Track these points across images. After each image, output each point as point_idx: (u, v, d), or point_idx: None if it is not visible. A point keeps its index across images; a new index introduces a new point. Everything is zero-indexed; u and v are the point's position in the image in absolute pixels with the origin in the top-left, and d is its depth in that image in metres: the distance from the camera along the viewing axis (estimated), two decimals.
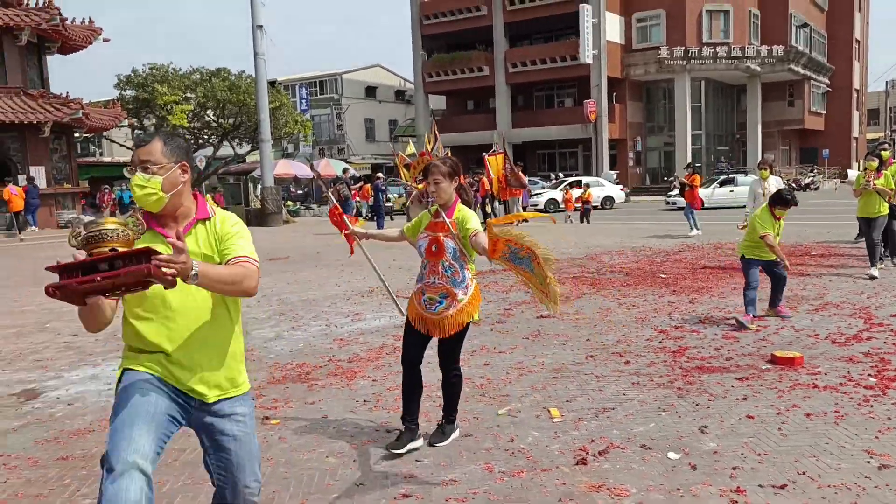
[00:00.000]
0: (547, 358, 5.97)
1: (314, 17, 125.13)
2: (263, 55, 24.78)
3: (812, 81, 46.16)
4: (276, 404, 4.99)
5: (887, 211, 9.45)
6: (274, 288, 10.52)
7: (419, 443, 4.05)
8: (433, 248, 3.85)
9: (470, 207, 3.94)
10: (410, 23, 44.21)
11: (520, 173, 21.30)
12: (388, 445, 4.00)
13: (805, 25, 45.09)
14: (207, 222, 2.46)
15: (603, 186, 30.22)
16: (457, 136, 40.29)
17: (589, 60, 37.19)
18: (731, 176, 28.65)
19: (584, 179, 28.46)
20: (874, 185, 9.21)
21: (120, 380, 2.40)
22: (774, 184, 9.84)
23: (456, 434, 4.22)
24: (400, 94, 55.86)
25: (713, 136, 44.00)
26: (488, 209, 20.75)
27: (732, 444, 3.95)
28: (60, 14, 21.22)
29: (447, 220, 3.82)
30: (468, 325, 3.96)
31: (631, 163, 42.46)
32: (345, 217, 4.51)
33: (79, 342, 7.22)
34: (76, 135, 24.17)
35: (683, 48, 38.49)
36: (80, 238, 2.00)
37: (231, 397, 2.50)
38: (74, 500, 3.59)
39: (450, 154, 15.49)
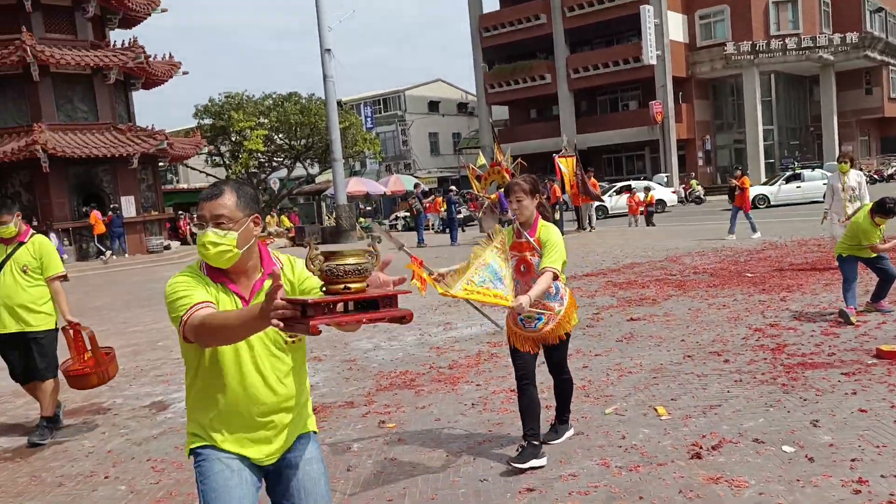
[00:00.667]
0: (644, 359, 6.06)
1: (373, 39, 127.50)
2: (332, 77, 25.55)
3: (891, 67, 44.38)
4: (388, 409, 5.25)
5: None
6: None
7: (543, 461, 3.90)
8: (521, 269, 3.87)
9: (551, 221, 3.98)
10: (470, 36, 44.65)
11: (592, 181, 21.33)
12: (510, 460, 3.89)
13: (880, 10, 43.45)
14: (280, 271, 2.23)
15: (653, 190, 29.56)
16: (521, 144, 40.37)
17: (653, 61, 36.78)
18: (797, 172, 27.84)
19: (634, 184, 28.14)
20: None
21: (200, 451, 2.28)
22: (855, 178, 9.54)
23: (570, 433, 4.35)
24: (462, 107, 56.33)
25: (785, 130, 42.77)
26: (557, 216, 20.76)
27: (848, 437, 3.99)
28: (145, 52, 22.44)
29: (531, 239, 3.84)
30: (570, 332, 4.05)
31: (701, 162, 41.64)
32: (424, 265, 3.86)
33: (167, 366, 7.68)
34: (161, 164, 25.38)
35: (750, 42, 37.63)
36: (322, 268, 1.88)
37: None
38: None
39: (520, 162, 15.64)
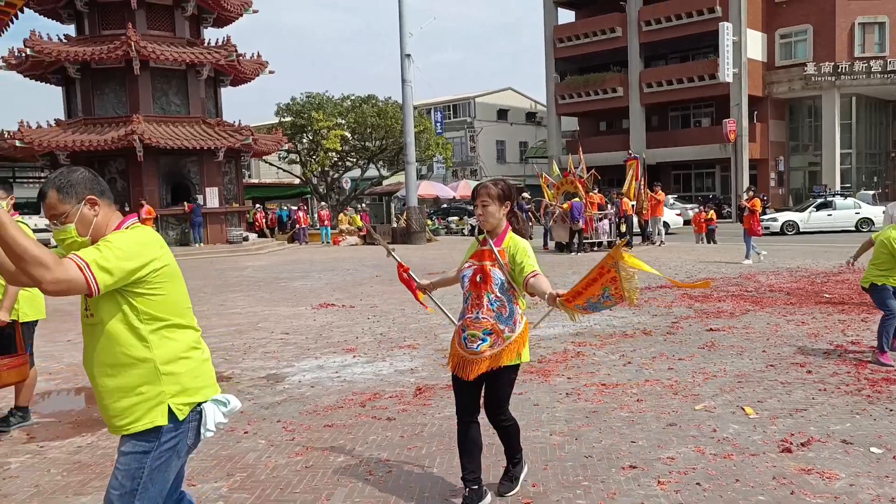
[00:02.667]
0: (727, 365, 6.36)
1: (445, 44, 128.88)
2: (410, 82, 26.23)
3: None
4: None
5: None
6: (443, 298, 11.36)
7: (488, 499, 3.63)
8: (477, 279, 3.47)
9: (524, 237, 3.57)
10: (544, 46, 44.95)
11: (660, 194, 21.35)
12: None
13: None
14: None
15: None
16: (589, 156, 40.12)
17: (729, 79, 36.41)
18: (828, 199, 27.15)
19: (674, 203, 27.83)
20: None
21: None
22: None
23: (525, 469, 3.88)
24: (531, 116, 56.65)
25: (865, 155, 41.65)
26: (623, 229, 20.89)
27: None
28: (236, 51, 23.56)
29: (494, 248, 3.47)
30: (517, 367, 3.55)
31: (773, 183, 40.92)
32: (411, 273, 4.22)
33: (293, 339, 8.30)
34: (243, 159, 26.50)
35: (832, 63, 36.89)
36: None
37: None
38: (353, 454, 4.42)
39: (594, 174, 15.93)
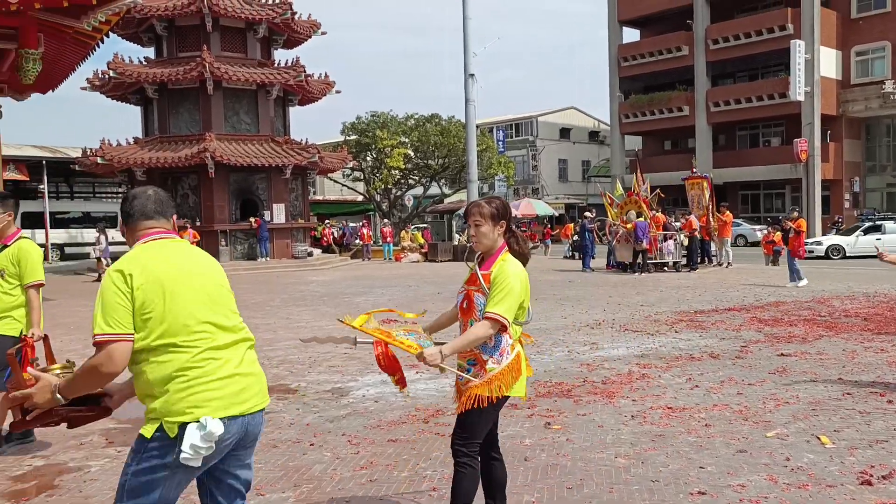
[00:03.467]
0: (801, 392, 6.15)
1: (506, 62, 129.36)
2: (474, 101, 26.38)
3: None
4: (551, 413, 5.66)
5: None
6: None
7: None
8: (464, 305, 3.27)
9: (522, 259, 3.29)
10: (608, 65, 44.66)
11: (727, 215, 20.85)
12: None
13: None
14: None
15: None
16: (653, 176, 39.55)
17: (800, 98, 35.40)
18: (877, 223, 25.83)
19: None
20: None
21: None
22: None
23: None
24: (594, 135, 56.24)
25: None
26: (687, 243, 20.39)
27: None
28: (305, 71, 24.22)
29: (479, 273, 3.22)
30: (499, 401, 3.19)
31: (847, 205, 39.48)
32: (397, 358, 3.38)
33: (357, 354, 8.39)
34: (309, 176, 27.11)
35: None
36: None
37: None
38: (417, 470, 4.45)
39: (659, 193, 15.68)
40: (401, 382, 3.44)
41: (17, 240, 4.77)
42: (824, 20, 36.61)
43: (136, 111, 26.22)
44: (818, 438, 4.87)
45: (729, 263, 20.85)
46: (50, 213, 30.87)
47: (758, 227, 34.60)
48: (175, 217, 2.79)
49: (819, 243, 25.39)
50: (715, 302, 12.72)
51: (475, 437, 3.20)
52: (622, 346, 8.53)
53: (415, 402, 6.13)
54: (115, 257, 23.57)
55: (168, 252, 2.50)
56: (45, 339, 4.68)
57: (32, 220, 29.29)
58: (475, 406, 3.13)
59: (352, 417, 5.72)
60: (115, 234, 21.63)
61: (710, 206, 21.16)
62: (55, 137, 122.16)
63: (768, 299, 12.95)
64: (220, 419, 2.35)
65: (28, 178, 31.92)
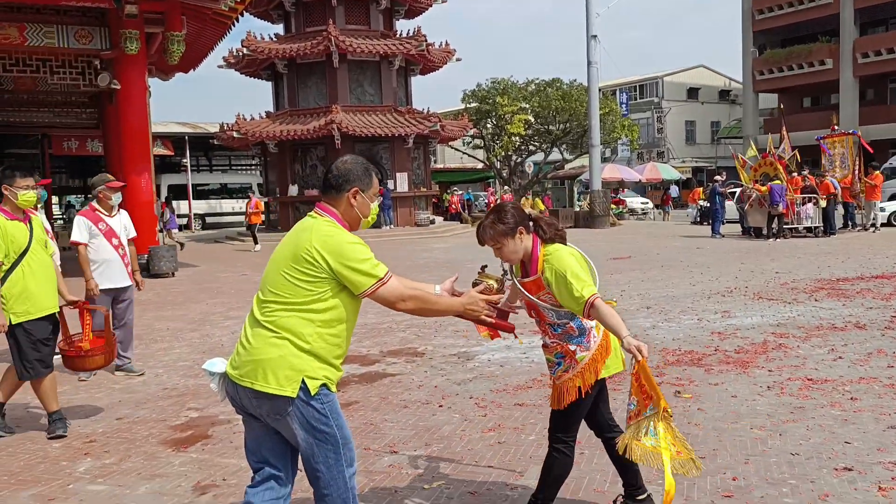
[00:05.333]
0: None
1: (633, 22, 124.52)
2: (596, 64, 25.68)
3: None
4: (680, 381, 5.53)
5: None
6: (630, 283, 11.13)
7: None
8: (532, 313, 3.18)
9: (560, 240, 3.07)
10: (741, 19, 42.02)
11: (877, 175, 19.26)
12: None
13: None
14: None
15: None
16: (776, 137, 37.32)
17: None
18: None
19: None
20: None
21: (329, 392, 2.57)
22: None
23: None
24: (724, 95, 53.27)
25: None
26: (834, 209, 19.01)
27: None
28: (426, 40, 24.38)
29: (528, 282, 3.06)
30: (593, 388, 3.07)
31: None
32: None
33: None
34: (430, 144, 27.42)
35: None
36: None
37: None
38: (544, 433, 4.47)
39: (797, 154, 14.59)
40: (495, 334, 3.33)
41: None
42: None
43: (267, 86, 27.41)
44: None
45: (876, 228, 19.33)
46: (192, 185, 33.03)
47: None
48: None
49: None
50: (860, 269, 11.87)
51: (573, 425, 3.15)
52: (756, 315, 8.16)
53: (540, 368, 6.15)
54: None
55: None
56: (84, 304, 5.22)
57: (177, 192, 31.49)
58: (573, 399, 3.06)
59: (478, 381, 5.84)
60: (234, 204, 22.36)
61: (859, 167, 19.64)
62: (194, 114, 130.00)
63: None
64: (215, 372, 2.63)
65: (173, 153, 34.26)
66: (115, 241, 6.11)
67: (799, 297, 9.28)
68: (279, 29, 26.59)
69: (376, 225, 25.23)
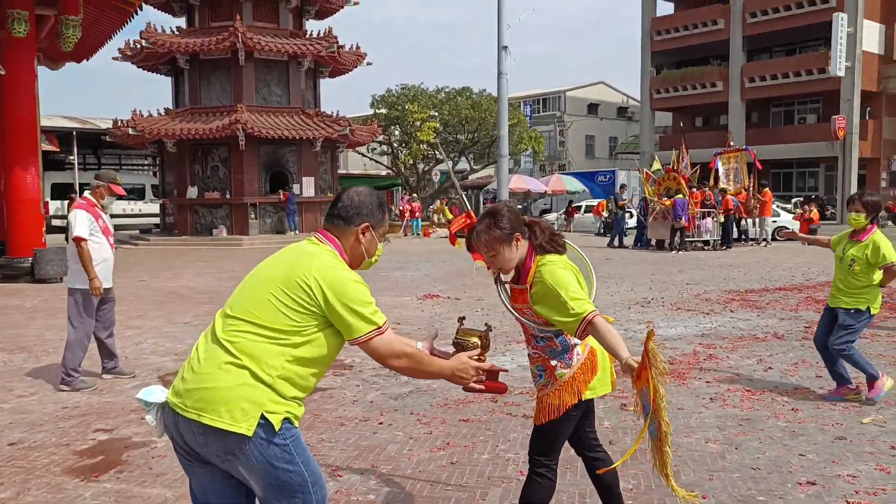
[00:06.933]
0: (889, 374, 5.84)
1: (536, 36, 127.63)
2: (506, 75, 25.88)
3: None
4: (624, 394, 5.41)
5: None
6: None
7: None
8: (521, 323, 2.94)
9: (556, 249, 2.80)
10: (640, 39, 43.74)
11: (766, 192, 20.30)
12: None
13: None
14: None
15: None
16: (679, 152, 39.11)
17: (840, 73, 34.39)
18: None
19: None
20: None
21: (293, 427, 2.21)
22: None
23: None
24: (622, 111, 55.36)
25: None
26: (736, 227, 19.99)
27: None
28: (337, 42, 23.84)
29: (517, 289, 2.87)
30: (575, 407, 2.83)
31: (884, 184, 38.52)
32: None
33: (405, 329, 8.21)
34: (339, 149, 26.84)
35: None
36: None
37: None
38: (498, 452, 4.24)
39: (699, 170, 15.13)
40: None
41: None
42: None
43: (165, 82, 26.05)
44: None
45: (767, 242, 20.40)
46: (79, 184, 30.95)
47: (787, 206, 33.87)
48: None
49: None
50: (763, 281, 12.37)
51: (554, 447, 2.90)
52: (679, 325, 8.26)
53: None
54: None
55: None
56: None
57: (61, 191, 29.39)
58: (550, 417, 2.84)
59: (416, 395, 5.52)
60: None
61: (753, 184, 20.69)
62: (82, 108, 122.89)
63: (818, 279, 12.58)
64: (153, 402, 2.22)
65: (58, 149, 31.98)
66: (111, 239, 6.05)
67: (715, 308, 9.50)
68: (181, 22, 25.33)
69: (280, 230, 24.44)
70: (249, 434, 2.08)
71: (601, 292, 11.20)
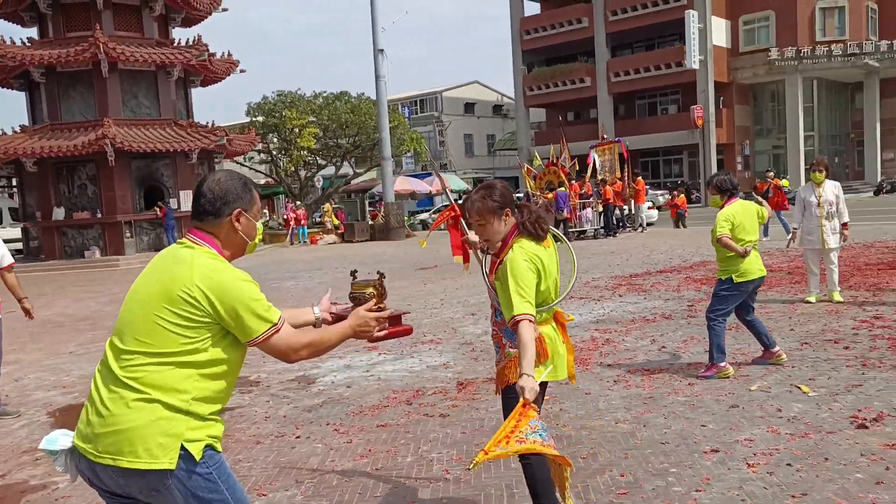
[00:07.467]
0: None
1: (411, 38, 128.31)
2: (384, 77, 25.98)
3: None
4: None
5: None
6: (446, 291, 11.25)
7: None
8: (489, 294, 3.14)
9: (536, 233, 2.97)
10: (511, 38, 44.97)
11: (639, 181, 21.40)
12: None
13: None
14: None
15: None
16: (558, 147, 40.57)
17: (695, 66, 36.81)
18: None
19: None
20: None
21: (215, 453, 2.11)
22: (832, 190, 8.04)
23: None
24: (497, 109, 56.70)
25: (826, 137, 42.56)
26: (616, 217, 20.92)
27: None
28: (208, 50, 23.02)
29: (493, 259, 3.07)
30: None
31: (739, 167, 41.58)
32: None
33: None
34: (216, 160, 25.96)
35: (795, 48, 37.56)
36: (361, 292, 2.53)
37: None
38: (421, 454, 4.28)
39: (576, 164, 15.80)
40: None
41: None
42: None
43: (19, 97, 24.27)
44: (798, 388, 5.02)
45: (643, 228, 21.52)
46: None
47: (659, 191, 35.96)
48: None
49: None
50: (644, 265, 13.05)
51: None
52: (573, 313, 8.56)
53: (389, 385, 5.93)
54: None
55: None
56: None
57: None
58: (502, 388, 3.02)
59: (329, 405, 5.46)
60: None
61: (627, 173, 21.74)
62: None
63: (693, 259, 13.41)
64: (58, 450, 2.09)
65: None
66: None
67: (605, 294, 9.94)
68: (33, 33, 23.66)
69: (159, 247, 23.34)
70: (172, 467, 2.00)
71: (448, 300, 11.44)
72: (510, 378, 2.94)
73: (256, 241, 2.32)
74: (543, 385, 3.00)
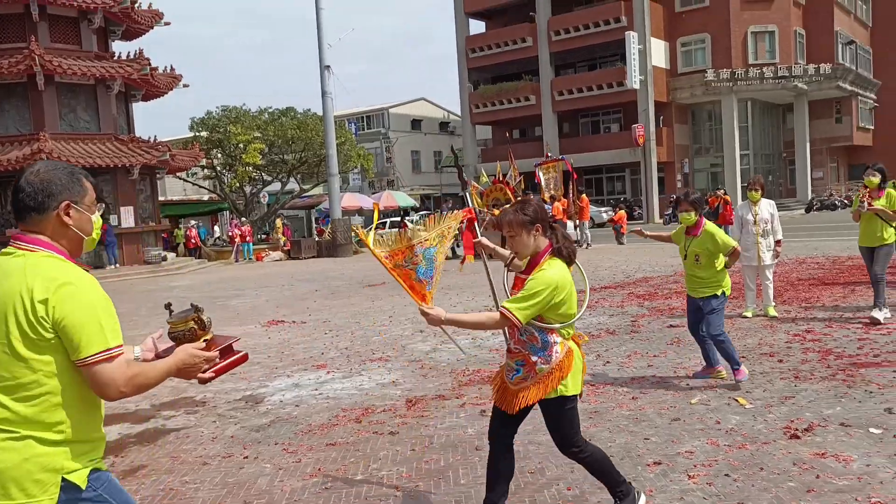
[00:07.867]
0: (701, 360, 6.53)
1: (359, 55, 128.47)
2: (331, 94, 25.95)
3: (859, 97, 46.17)
4: (480, 401, 5.65)
5: (894, 239, 7.66)
6: (395, 308, 11.26)
7: None
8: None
9: (570, 259, 3.24)
10: (457, 56, 45.43)
11: (583, 198, 21.83)
12: None
13: (851, 42, 45.23)
14: None
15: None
16: (504, 164, 40.99)
17: (636, 86, 37.86)
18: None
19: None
20: (871, 205, 7.58)
21: (101, 473, 2.03)
22: (767, 209, 8.33)
23: (643, 500, 3.49)
24: (444, 126, 57.11)
25: (760, 156, 44.19)
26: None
27: None
28: (150, 64, 22.62)
29: (522, 278, 3.23)
30: (562, 400, 3.18)
31: (679, 184, 42.74)
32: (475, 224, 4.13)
33: (255, 358, 7.99)
34: (158, 176, 25.47)
35: (730, 70, 38.97)
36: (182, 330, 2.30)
37: None
38: (371, 472, 4.29)
39: (522, 180, 16.03)
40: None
41: None
42: (653, 13, 39.31)
43: None
44: (736, 400, 5.21)
45: (588, 244, 21.93)
46: None
47: (602, 209, 36.74)
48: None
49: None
50: (589, 281, 13.29)
51: (570, 435, 3.28)
52: None
53: (338, 403, 5.92)
54: None
55: None
56: None
57: None
58: (521, 406, 3.17)
59: (278, 425, 5.42)
60: None
61: (572, 191, 22.16)
62: None
63: (636, 275, 13.74)
64: None
65: None
66: None
67: None
68: None
69: (99, 265, 22.71)
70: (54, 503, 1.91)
71: (444, 304, 11.50)
72: (536, 396, 3.15)
73: (94, 235, 2.12)
74: (563, 400, 3.21)
